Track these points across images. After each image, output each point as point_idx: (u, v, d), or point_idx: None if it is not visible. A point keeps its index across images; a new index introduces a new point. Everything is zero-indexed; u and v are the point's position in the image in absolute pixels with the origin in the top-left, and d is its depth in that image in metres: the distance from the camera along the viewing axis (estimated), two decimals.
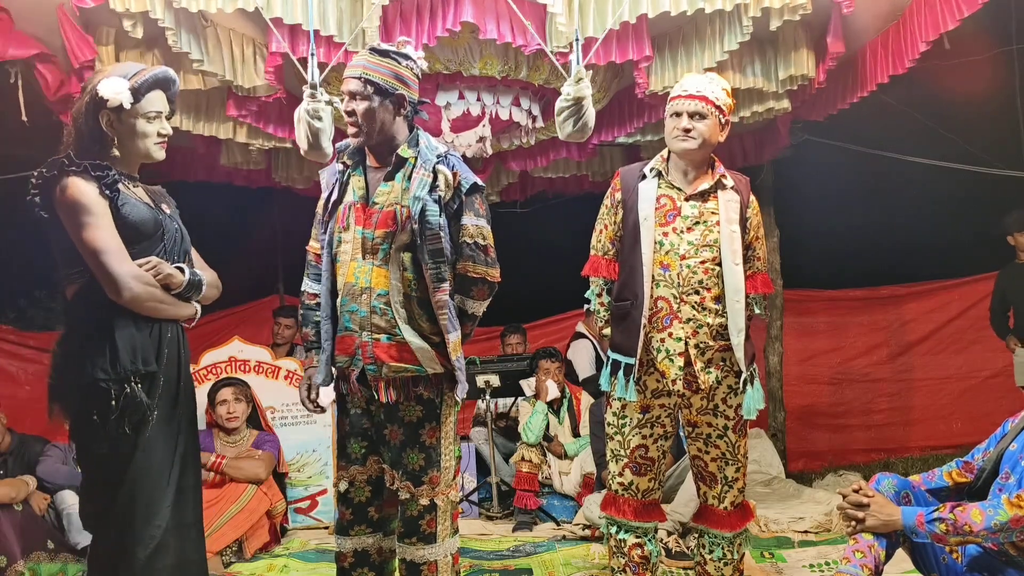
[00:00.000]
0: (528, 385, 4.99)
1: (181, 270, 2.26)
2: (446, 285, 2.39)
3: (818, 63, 4.02)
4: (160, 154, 2.31)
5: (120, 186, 2.18)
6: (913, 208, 5.70)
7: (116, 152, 2.24)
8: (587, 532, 4.21)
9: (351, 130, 2.45)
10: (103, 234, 2.10)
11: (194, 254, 2.43)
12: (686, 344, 2.61)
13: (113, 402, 2.09)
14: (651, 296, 2.63)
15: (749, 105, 4.37)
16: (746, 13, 3.60)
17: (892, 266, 6.18)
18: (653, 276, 2.63)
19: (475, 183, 2.45)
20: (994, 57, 4.80)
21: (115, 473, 2.12)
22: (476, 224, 2.44)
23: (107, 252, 2.09)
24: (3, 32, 3.45)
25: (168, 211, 2.34)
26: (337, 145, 2.62)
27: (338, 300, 2.47)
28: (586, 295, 2.87)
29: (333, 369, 2.53)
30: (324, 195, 2.57)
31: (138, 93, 2.21)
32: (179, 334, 2.29)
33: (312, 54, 3.23)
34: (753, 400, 2.64)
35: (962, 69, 4.57)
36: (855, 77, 4.14)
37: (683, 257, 2.62)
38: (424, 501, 2.41)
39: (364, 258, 2.41)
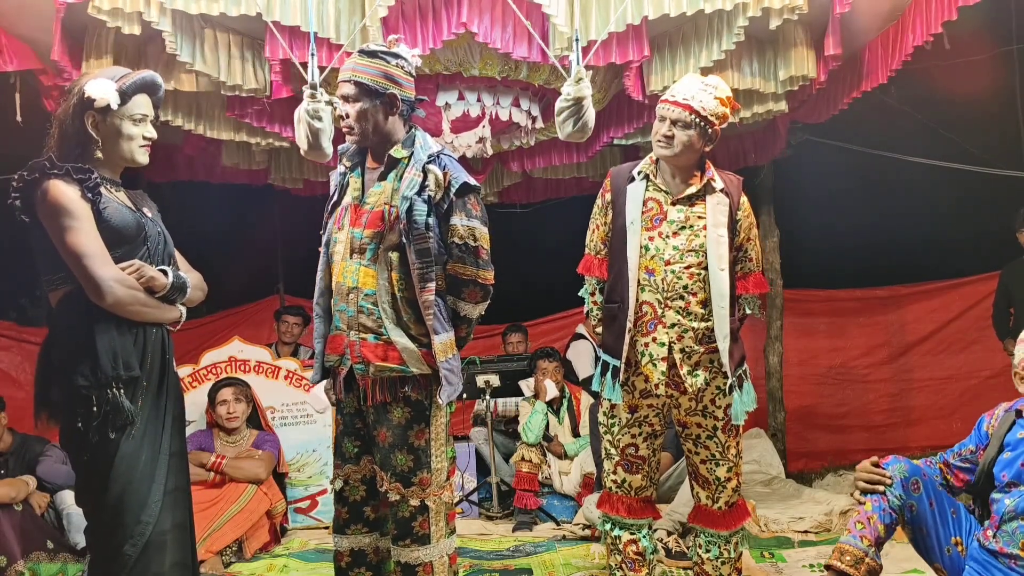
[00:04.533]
0: (527, 385, 4.99)
1: (164, 273, 2.25)
2: (432, 285, 2.37)
3: (818, 63, 4.02)
4: (144, 158, 2.29)
5: (102, 189, 2.17)
6: (913, 208, 5.70)
7: (100, 155, 2.23)
8: (587, 532, 4.21)
9: (346, 133, 2.47)
10: (85, 238, 2.09)
11: (178, 256, 2.43)
12: (670, 349, 2.61)
13: (95, 408, 2.09)
14: (636, 300, 2.63)
15: (748, 106, 4.37)
16: (744, 13, 3.61)
17: (892, 266, 6.17)
18: (639, 281, 2.63)
19: (466, 183, 2.42)
20: (994, 57, 4.80)
21: (103, 475, 2.12)
22: (467, 225, 2.41)
23: (89, 256, 2.08)
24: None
25: (150, 214, 2.32)
26: (339, 148, 2.63)
27: (332, 299, 2.49)
28: (579, 293, 2.88)
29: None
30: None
31: (125, 95, 2.21)
32: (163, 337, 2.28)
33: (312, 54, 3.23)
34: (741, 404, 2.64)
35: (962, 69, 4.57)
36: (854, 77, 4.13)
37: (668, 262, 2.61)
38: (414, 502, 2.40)
39: (352, 258, 2.42)
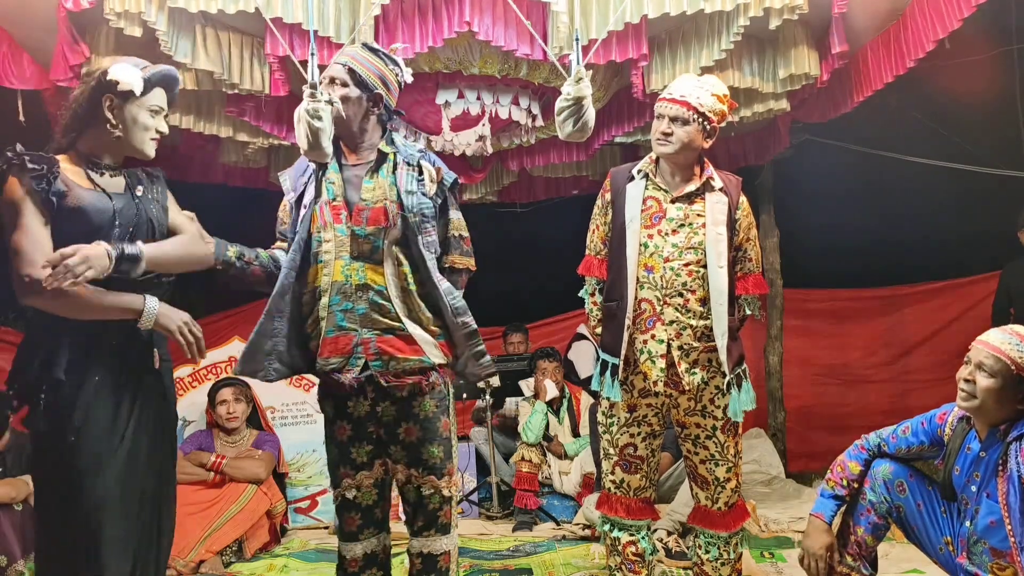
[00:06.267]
0: (527, 385, 4.99)
1: (108, 253, 2.06)
2: (440, 275, 2.45)
3: (820, 62, 4.02)
4: (151, 151, 2.26)
5: (71, 177, 2.10)
6: (913, 208, 5.69)
7: (104, 136, 2.18)
8: (587, 532, 4.21)
9: None
10: (22, 234, 2.04)
11: (183, 217, 2.35)
12: (668, 346, 2.61)
13: (36, 405, 2.04)
14: (635, 298, 2.64)
15: (748, 105, 4.37)
16: (745, 13, 3.61)
17: (892, 266, 6.16)
18: (637, 278, 2.63)
19: (456, 178, 2.54)
20: (994, 57, 4.79)
21: (46, 473, 2.09)
22: (459, 218, 2.56)
23: (19, 253, 2.03)
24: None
25: (141, 193, 2.24)
26: None
27: (322, 301, 2.42)
28: (580, 294, 2.88)
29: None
30: (288, 197, 2.54)
31: (148, 84, 2.19)
32: (130, 335, 2.14)
33: (312, 54, 3.22)
34: (739, 402, 2.64)
35: (962, 69, 4.56)
36: (857, 78, 4.13)
37: (667, 259, 2.62)
38: (446, 493, 2.45)
39: (353, 256, 2.40)
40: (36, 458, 2.11)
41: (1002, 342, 2.33)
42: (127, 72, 2.14)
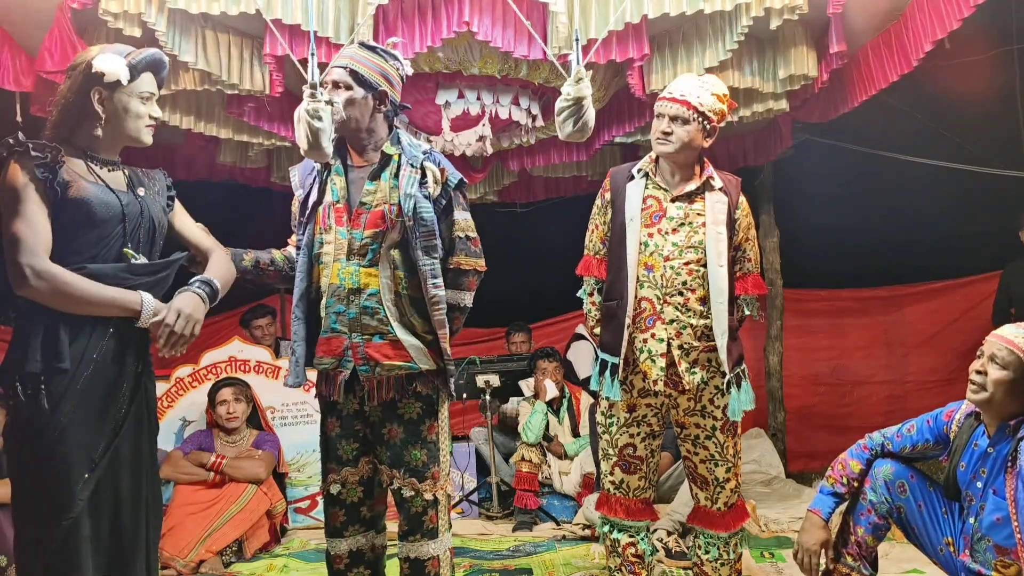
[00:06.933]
0: (527, 385, 4.99)
1: (202, 297, 2.14)
2: (440, 281, 2.40)
3: (820, 62, 4.02)
4: (148, 138, 2.22)
5: (74, 168, 2.08)
6: (913, 208, 5.69)
7: (100, 132, 2.15)
8: (587, 532, 4.21)
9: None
10: (22, 223, 2.00)
11: (198, 230, 2.37)
12: (669, 345, 2.61)
13: (22, 397, 2.00)
14: (635, 297, 2.63)
15: (748, 105, 4.37)
16: (747, 13, 3.61)
17: (892, 266, 6.16)
18: (637, 277, 2.63)
19: (461, 178, 2.49)
20: (994, 57, 4.79)
21: (22, 465, 2.05)
22: (465, 218, 2.50)
23: (19, 242, 1.99)
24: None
25: (143, 193, 2.21)
26: None
27: (322, 302, 2.45)
28: (578, 294, 2.88)
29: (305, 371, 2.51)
30: (298, 194, 2.56)
31: (135, 70, 2.15)
32: (125, 335, 2.11)
33: (312, 54, 3.23)
34: (739, 402, 2.63)
35: (962, 69, 4.56)
36: (857, 78, 4.13)
37: (667, 258, 2.62)
38: (428, 496, 2.42)
39: (349, 259, 2.40)
40: (21, 454, 2.04)
41: (1016, 336, 2.35)
42: (112, 62, 2.10)
